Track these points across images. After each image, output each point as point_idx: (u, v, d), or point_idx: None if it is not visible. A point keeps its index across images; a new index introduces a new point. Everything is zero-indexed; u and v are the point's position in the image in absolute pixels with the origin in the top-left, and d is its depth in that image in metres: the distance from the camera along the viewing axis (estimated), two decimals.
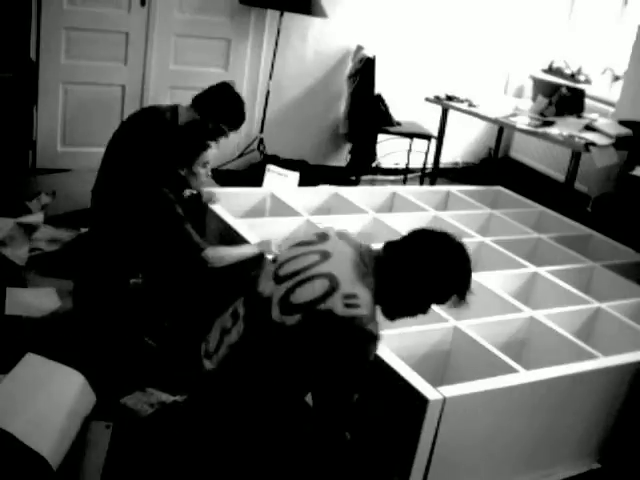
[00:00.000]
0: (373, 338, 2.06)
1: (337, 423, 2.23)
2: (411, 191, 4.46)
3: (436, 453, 2.45)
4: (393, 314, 2.26)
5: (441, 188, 4.72)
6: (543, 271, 3.57)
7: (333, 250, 2.20)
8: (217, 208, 3.64)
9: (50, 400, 2.52)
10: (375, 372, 2.58)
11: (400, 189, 4.45)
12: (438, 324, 2.94)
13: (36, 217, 3.97)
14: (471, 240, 3.86)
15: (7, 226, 3.75)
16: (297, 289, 2.11)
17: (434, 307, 3.00)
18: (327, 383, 2.12)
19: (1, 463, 2.30)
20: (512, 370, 2.67)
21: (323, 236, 2.28)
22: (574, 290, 3.42)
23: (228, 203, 3.78)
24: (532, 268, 3.60)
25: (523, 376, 2.63)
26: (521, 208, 4.52)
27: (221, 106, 3.56)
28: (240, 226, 3.48)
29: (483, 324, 3.00)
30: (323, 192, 4.24)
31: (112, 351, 3.06)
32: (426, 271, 2.16)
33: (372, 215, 3.95)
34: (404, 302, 2.23)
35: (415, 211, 4.17)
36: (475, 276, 3.35)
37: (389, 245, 2.23)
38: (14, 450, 2.31)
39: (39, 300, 3.41)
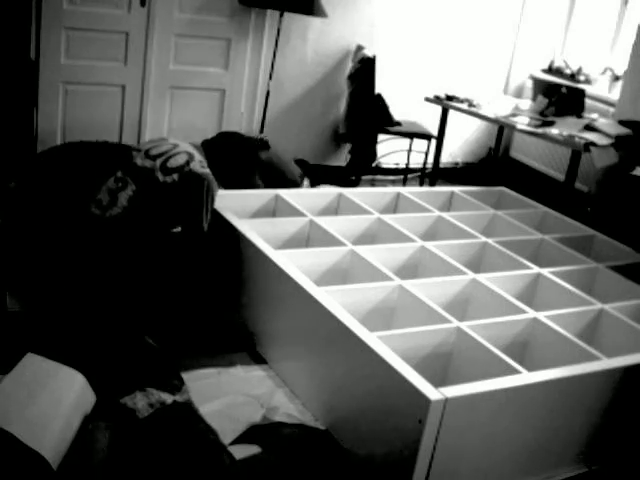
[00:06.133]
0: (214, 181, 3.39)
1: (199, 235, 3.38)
2: (415, 192, 4.45)
3: (438, 454, 2.44)
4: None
5: (445, 189, 4.72)
6: (546, 272, 3.57)
7: (178, 142, 3.46)
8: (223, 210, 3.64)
9: (50, 400, 2.52)
10: (376, 371, 2.59)
11: (404, 190, 4.45)
12: (441, 325, 2.93)
13: None
14: (475, 241, 3.86)
15: None
16: (169, 160, 3.31)
17: (436, 307, 3.03)
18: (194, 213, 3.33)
19: (1, 463, 2.29)
20: (515, 371, 2.66)
21: (163, 138, 3.57)
22: (577, 291, 3.41)
23: (234, 204, 3.78)
24: (535, 269, 3.60)
25: (525, 377, 2.62)
26: (524, 209, 4.51)
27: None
28: (244, 227, 3.48)
29: (486, 325, 2.99)
30: (328, 193, 4.25)
31: (112, 351, 3.05)
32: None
33: (377, 216, 3.95)
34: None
35: (419, 212, 4.16)
36: (479, 277, 3.40)
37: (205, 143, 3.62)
38: (14, 450, 2.30)
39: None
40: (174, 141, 3.49)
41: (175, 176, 3.29)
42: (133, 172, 3.27)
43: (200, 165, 3.38)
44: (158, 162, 3.31)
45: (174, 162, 3.32)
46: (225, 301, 3.60)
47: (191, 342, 3.28)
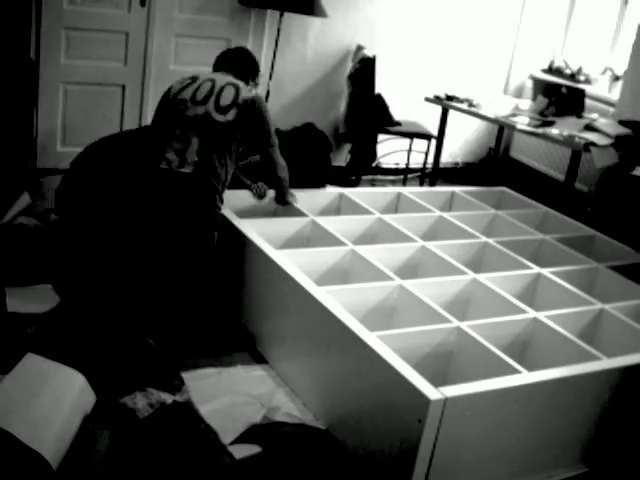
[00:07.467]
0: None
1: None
2: (416, 192, 4.46)
3: (437, 453, 2.44)
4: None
5: (445, 189, 4.72)
6: (547, 272, 3.57)
7: (212, 76, 3.44)
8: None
9: (50, 400, 2.52)
10: (377, 371, 2.59)
11: (405, 190, 4.45)
12: (441, 324, 2.93)
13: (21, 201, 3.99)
14: (475, 241, 3.86)
15: None
16: (220, 99, 3.30)
17: (436, 307, 3.03)
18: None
19: (1, 463, 2.29)
20: (515, 371, 2.66)
21: (194, 77, 3.43)
22: (578, 291, 3.41)
23: (235, 204, 3.78)
24: (536, 269, 3.60)
25: (525, 377, 2.62)
26: (525, 209, 4.52)
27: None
28: (245, 227, 3.48)
29: (486, 325, 2.99)
30: (328, 193, 4.26)
31: (112, 351, 3.05)
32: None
33: (377, 216, 3.96)
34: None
35: (420, 212, 4.17)
36: (479, 277, 3.40)
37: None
38: (14, 450, 2.30)
39: (38, 297, 3.41)
40: (205, 76, 3.46)
41: (233, 112, 3.29)
42: (189, 125, 3.29)
43: (247, 90, 3.41)
44: (210, 105, 3.31)
45: (225, 99, 3.32)
46: (226, 301, 3.60)
47: (191, 342, 3.28)
